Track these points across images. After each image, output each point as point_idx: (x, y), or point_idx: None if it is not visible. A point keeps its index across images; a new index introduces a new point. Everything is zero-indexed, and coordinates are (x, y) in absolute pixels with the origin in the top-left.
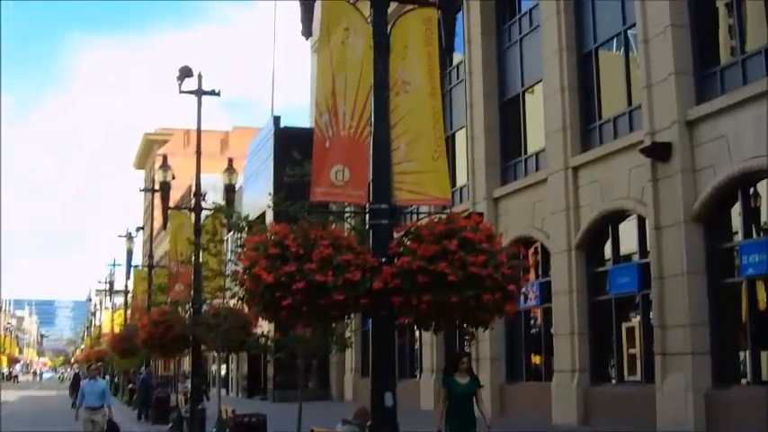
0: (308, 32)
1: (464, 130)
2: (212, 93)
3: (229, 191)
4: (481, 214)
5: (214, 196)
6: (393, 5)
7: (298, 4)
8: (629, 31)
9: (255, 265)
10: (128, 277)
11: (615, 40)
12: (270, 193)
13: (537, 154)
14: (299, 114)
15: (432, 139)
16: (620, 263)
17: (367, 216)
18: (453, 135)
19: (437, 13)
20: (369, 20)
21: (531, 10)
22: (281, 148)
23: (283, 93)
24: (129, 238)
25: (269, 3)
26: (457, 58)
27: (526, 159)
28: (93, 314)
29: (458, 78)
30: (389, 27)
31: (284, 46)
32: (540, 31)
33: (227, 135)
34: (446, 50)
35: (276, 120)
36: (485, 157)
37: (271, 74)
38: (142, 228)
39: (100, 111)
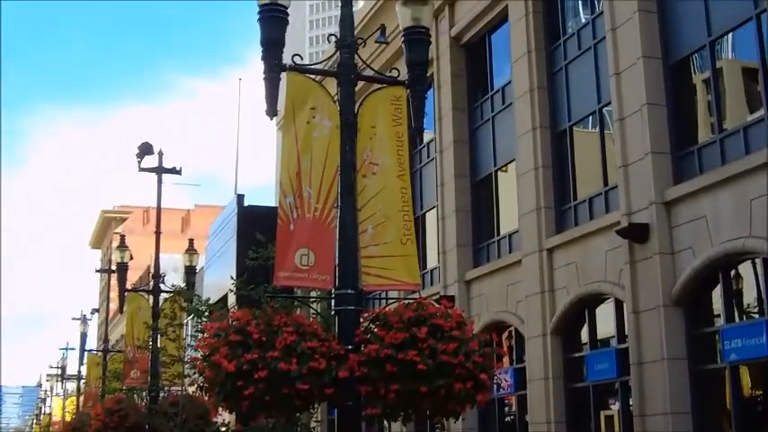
0: (272, 111)
1: (435, 210)
2: (173, 171)
3: (190, 273)
4: (452, 298)
5: (174, 278)
6: (360, 84)
7: (263, 81)
8: (604, 110)
9: (216, 352)
10: (81, 362)
11: (591, 118)
12: (232, 277)
13: (510, 235)
14: (265, 193)
15: (400, 222)
16: (597, 348)
17: (333, 301)
18: (423, 215)
19: (406, 92)
20: (335, 98)
21: (503, 87)
22: (244, 228)
23: (248, 170)
24: (84, 320)
25: (235, 78)
26: (427, 135)
27: (499, 241)
28: (44, 401)
29: (428, 157)
30: (357, 106)
31: (250, 122)
32: (513, 109)
33: (189, 214)
34: (415, 130)
35: (240, 198)
36: (456, 239)
37: (235, 150)
38: (97, 310)
39: (57, 187)
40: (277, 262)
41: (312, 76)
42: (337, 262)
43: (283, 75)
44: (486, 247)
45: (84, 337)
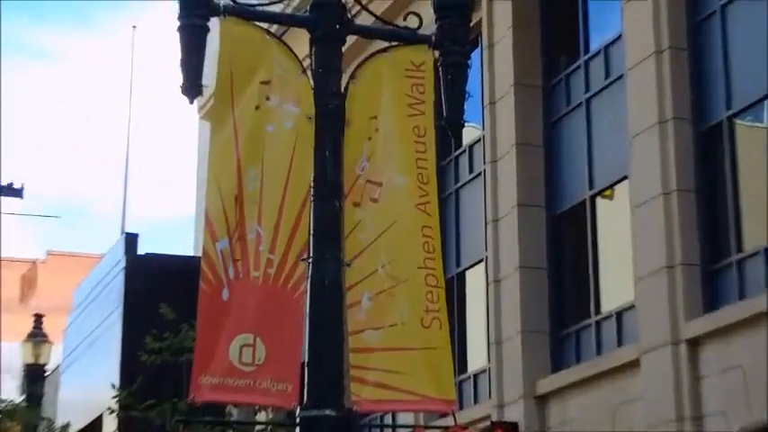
0: (193, 88)
1: (482, 265)
2: (9, 191)
3: (34, 376)
4: (515, 427)
5: (7, 385)
6: (352, 40)
7: (177, 33)
8: None
9: None
10: None
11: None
12: (114, 385)
13: (619, 314)
14: (174, 232)
15: (421, 288)
16: None
17: (298, 430)
18: (462, 276)
19: (432, 55)
20: (307, 66)
21: (606, 48)
22: (138, 294)
23: (146, 194)
24: None
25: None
26: (470, 133)
27: (599, 324)
28: None
29: (470, 171)
30: (346, 80)
31: (149, 106)
32: (624, 87)
33: (35, 268)
34: (449, 123)
35: (130, 241)
36: (521, 319)
37: (123, 160)
38: None
39: None
40: (197, 358)
41: (266, 26)
42: (307, 359)
43: (214, 22)
44: (576, 334)
45: None
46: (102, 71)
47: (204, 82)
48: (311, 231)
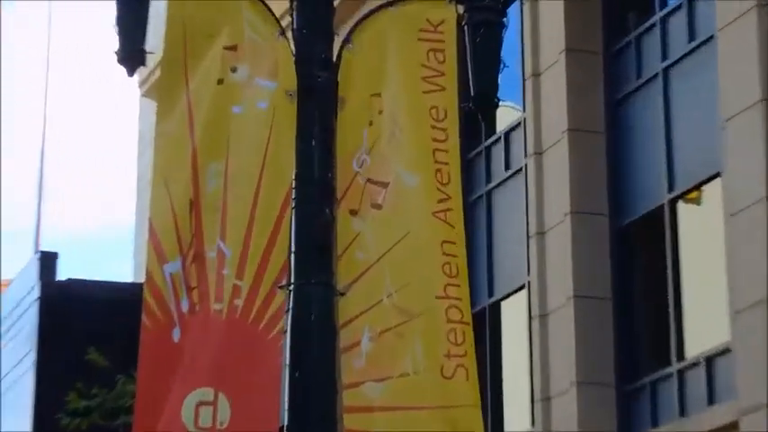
0: (133, 55)
1: (523, 294)
2: None
3: None
4: None
5: None
6: None
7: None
8: None
9: None
10: None
11: None
12: None
13: (710, 360)
14: (106, 251)
15: (440, 324)
16: None
17: None
18: (496, 307)
19: (453, 11)
20: (287, 26)
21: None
22: (57, 331)
23: (67, 201)
24: None
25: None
26: (506, 115)
27: (683, 373)
28: None
29: (507, 167)
30: (339, 48)
31: (67, 86)
32: (715, 52)
33: None
34: (479, 102)
35: (46, 262)
36: (577, 366)
37: (38, 153)
38: None
39: None
40: (138, 421)
41: None
42: (286, 423)
43: None
44: (651, 388)
45: None
46: (13, 49)
47: (149, 48)
48: (292, 248)
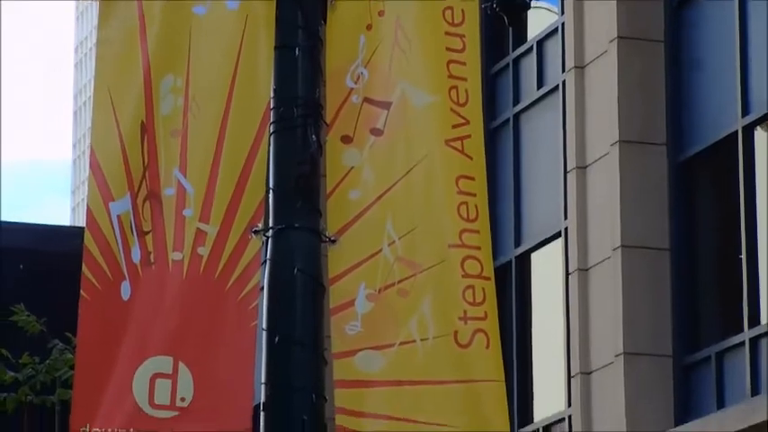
0: None
1: (558, 242)
2: None
3: None
4: None
5: None
6: None
7: None
8: None
9: None
10: None
11: None
12: None
13: None
14: (34, 185)
15: (454, 280)
16: None
17: None
18: (525, 258)
19: None
20: None
21: None
22: None
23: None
24: None
25: None
26: (538, 18)
27: (755, 342)
28: None
29: (540, 83)
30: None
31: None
32: None
33: None
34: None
35: None
36: (624, 333)
37: None
38: None
39: None
40: (78, 398)
41: None
42: (263, 399)
43: None
44: (717, 361)
45: None
46: None
47: None
48: (270, 185)
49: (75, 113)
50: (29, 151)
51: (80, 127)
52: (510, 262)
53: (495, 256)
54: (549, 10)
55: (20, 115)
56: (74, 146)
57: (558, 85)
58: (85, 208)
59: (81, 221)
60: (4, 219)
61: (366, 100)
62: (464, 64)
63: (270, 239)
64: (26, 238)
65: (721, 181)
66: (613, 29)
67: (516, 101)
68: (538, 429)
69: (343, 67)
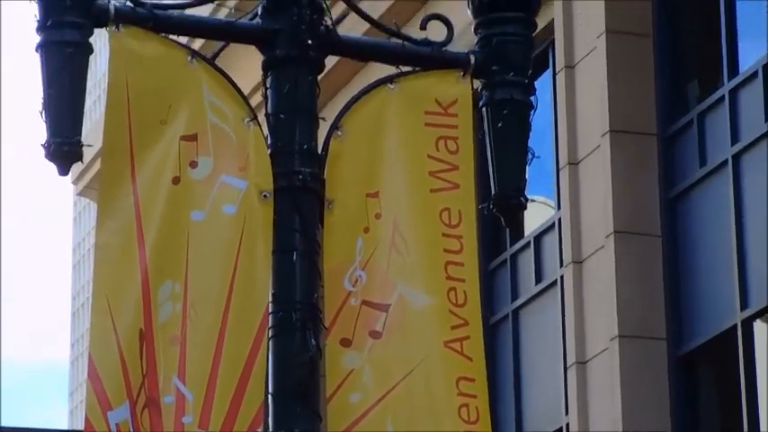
0: (62, 148)
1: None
2: None
3: None
4: None
5: None
6: (333, 62)
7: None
8: None
9: None
10: None
11: None
12: None
13: None
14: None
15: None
16: None
17: None
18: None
19: (472, 86)
20: (259, 108)
21: None
22: None
23: None
24: None
25: None
26: (539, 215)
27: None
28: None
29: (539, 278)
30: (326, 135)
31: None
32: None
33: None
34: (503, 202)
35: None
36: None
37: None
38: None
39: None
40: None
41: (188, 41)
42: None
43: (102, 36)
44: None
45: None
46: None
47: (86, 140)
48: (269, 390)
49: (72, 315)
50: (26, 352)
51: (77, 328)
52: None
53: None
54: (545, 204)
55: (10, 315)
56: (72, 346)
57: (556, 280)
58: (84, 418)
59: (79, 424)
60: (3, 424)
61: (364, 302)
62: (462, 265)
63: None
64: None
65: (722, 366)
66: (609, 224)
67: (515, 297)
68: None
69: (340, 269)
